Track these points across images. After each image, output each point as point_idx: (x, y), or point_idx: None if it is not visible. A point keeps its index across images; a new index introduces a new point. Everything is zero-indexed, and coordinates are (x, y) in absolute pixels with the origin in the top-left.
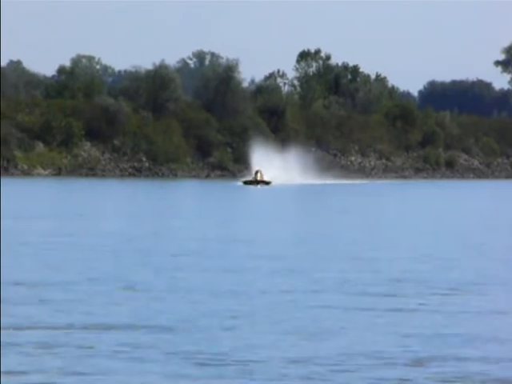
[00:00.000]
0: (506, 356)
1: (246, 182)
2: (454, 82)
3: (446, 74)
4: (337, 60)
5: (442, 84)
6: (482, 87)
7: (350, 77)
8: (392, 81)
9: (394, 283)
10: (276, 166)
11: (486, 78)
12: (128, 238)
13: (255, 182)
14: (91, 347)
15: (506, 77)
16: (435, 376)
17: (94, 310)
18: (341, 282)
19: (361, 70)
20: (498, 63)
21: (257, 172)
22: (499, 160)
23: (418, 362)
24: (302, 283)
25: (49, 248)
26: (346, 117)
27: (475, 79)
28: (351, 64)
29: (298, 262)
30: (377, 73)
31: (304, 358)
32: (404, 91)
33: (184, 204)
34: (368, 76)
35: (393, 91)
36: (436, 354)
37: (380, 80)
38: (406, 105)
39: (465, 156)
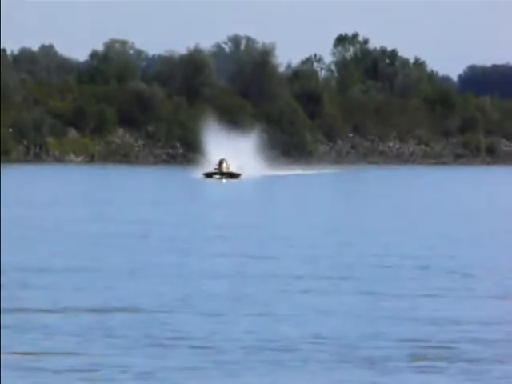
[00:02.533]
0: None
1: (207, 175)
2: (494, 67)
3: (487, 58)
4: (375, 44)
5: (483, 68)
6: None
7: (388, 61)
8: (431, 65)
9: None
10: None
11: None
12: (155, 225)
13: (219, 173)
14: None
15: None
16: None
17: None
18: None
19: (399, 54)
20: None
21: (221, 162)
22: None
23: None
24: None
25: (71, 235)
26: (384, 102)
27: None
28: (389, 48)
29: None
30: (415, 57)
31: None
32: (443, 76)
33: (215, 191)
34: (406, 60)
35: (432, 76)
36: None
37: (419, 64)
38: (446, 89)
39: (505, 142)
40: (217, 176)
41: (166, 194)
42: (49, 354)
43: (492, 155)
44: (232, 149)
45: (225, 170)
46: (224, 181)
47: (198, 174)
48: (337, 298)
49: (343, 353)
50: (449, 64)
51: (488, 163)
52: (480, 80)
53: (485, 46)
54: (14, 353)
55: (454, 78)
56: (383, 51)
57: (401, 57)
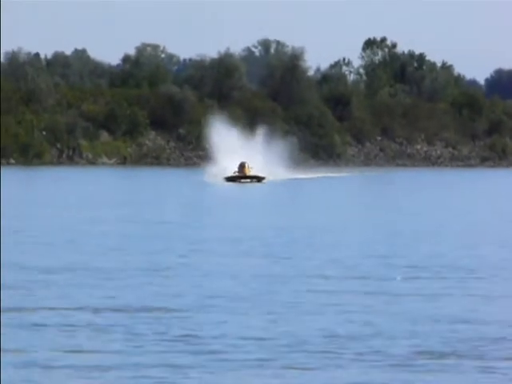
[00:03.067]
0: None
1: (229, 179)
2: None
3: None
4: (402, 48)
5: (510, 72)
6: None
7: (415, 65)
8: (458, 69)
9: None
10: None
11: None
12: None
13: (242, 177)
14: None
15: None
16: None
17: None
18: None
19: (427, 57)
20: None
21: (243, 165)
22: None
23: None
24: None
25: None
26: (412, 105)
27: None
28: (417, 52)
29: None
30: (443, 61)
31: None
32: (470, 79)
33: (246, 194)
34: (434, 64)
35: (459, 79)
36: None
37: (446, 68)
38: (473, 93)
39: None
40: (241, 180)
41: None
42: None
43: None
44: (257, 151)
45: (247, 173)
46: (247, 183)
47: (208, 176)
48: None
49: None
50: (476, 68)
51: None
52: (507, 83)
53: (511, 49)
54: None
55: (481, 81)
56: (411, 55)
57: (428, 61)
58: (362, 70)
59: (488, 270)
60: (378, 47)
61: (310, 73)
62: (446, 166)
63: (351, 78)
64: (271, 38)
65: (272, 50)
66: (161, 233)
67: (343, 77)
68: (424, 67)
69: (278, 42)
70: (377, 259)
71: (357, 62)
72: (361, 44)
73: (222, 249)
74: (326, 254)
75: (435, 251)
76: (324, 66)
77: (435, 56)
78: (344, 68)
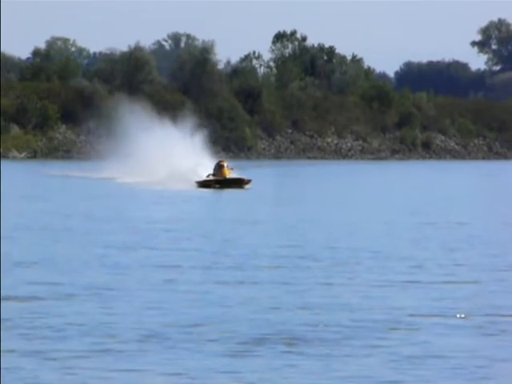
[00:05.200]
0: None
1: (202, 184)
2: (430, 63)
3: (423, 54)
4: (312, 41)
5: (419, 65)
6: (458, 68)
7: (325, 58)
8: (368, 62)
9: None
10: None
11: (463, 59)
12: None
13: (220, 181)
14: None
15: (483, 57)
16: None
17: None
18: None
19: (337, 51)
20: (474, 44)
21: (221, 165)
22: (475, 141)
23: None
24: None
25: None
26: (322, 98)
27: (451, 60)
28: (327, 45)
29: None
30: (353, 54)
31: None
32: (380, 72)
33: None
34: (344, 57)
35: (369, 72)
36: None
37: (356, 61)
38: (383, 86)
39: (441, 137)
40: (218, 185)
41: None
42: None
43: (428, 150)
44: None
45: (227, 176)
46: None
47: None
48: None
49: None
50: (385, 61)
51: (424, 158)
52: (416, 76)
53: (420, 42)
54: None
55: (391, 74)
56: (321, 48)
57: (338, 54)
58: (272, 64)
59: (364, 259)
60: (288, 40)
61: (221, 66)
62: (357, 158)
63: (261, 71)
64: (181, 31)
65: (182, 44)
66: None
67: (253, 70)
68: (334, 60)
69: (188, 36)
70: (245, 249)
71: (267, 56)
72: (271, 37)
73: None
74: (215, 245)
75: (317, 241)
76: (234, 59)
77: (345, 49)
78: (254, 61)
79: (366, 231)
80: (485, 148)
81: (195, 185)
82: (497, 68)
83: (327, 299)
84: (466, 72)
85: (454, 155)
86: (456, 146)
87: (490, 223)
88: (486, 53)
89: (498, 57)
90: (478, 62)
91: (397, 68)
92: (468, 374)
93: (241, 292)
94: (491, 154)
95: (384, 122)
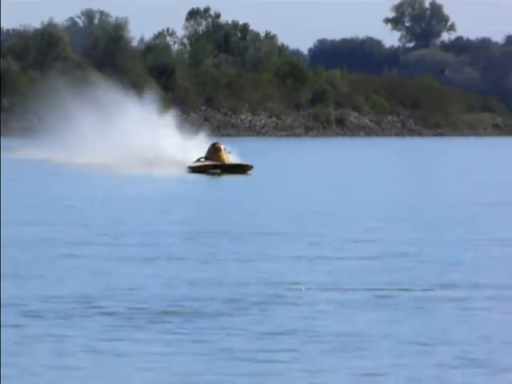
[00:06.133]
0: None
1: (195, 169)
2: (343, 40)
3: (336, 31)
4: (226, 18)
5: (332, 42)
6: (372, 45)
7: (239, 35)
8: (282, 39)
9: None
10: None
11: (376, 36)
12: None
13: (217, 167)
14: None
15: (396, 34)
16: None
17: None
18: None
19: (250, 28)
20: (387, 21)
21: (217, 148)
22: (389, 118)
23: None
24: None
25: None
26: (236, 75)
27: (365, 37)
28: (241, 22)
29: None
30: (266, 31)
31: None
32: (294, 49)
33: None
34: (258, 34)
35: (283, 49)
36: None
37: (270, 38)
38: (296, 63)
39: (355, 114)
40: (215, 170)
41: None
42: None
43: (342, 127)
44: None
45: (226, 161)
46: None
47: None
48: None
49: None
50: (299, 37)
51: (338, 135)
52: (330, 53)
53: (334, 19)
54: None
55: (305, 51)
56: (235, 25)
57: (252, 31)
58: (186, 41)
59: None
60: (201, 17)
61: (134, 43)
62: (271, 135)
63: (175, 48)
64: (95, 8)
65: (96, 21)
66: None
67: (167, 47)
68: (248, 37)
69: (101, 13)
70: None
71: (181, 33)
72: (185, 14)
73: None
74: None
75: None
76: (148, 36)
77: (259, 26)
78: (168, 38)
79: (275, 208)
80: (399, 125)
81: (188, 170)
82: (410, 45)
83: (218, 274)
84: (380, 49)
85: (368, 132)
86: (370, 123)
87: (401, 200)
88: (400, 30)
89: (411, 34)
90: (391, 39)
91: (310, 45)
92: (345, 350)
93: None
94: (405, 130)
95: (298, 99)
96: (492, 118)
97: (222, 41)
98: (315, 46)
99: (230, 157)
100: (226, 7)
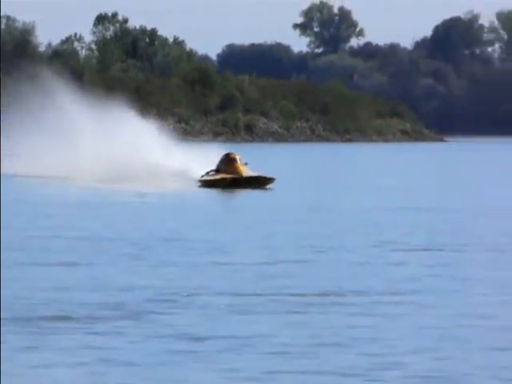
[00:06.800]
0: None
1: (207, 183)
2: (252, 45)
3: (245, 37)
4: (134, 23)
5: (241, 47)
6: (280, 50)
7: (147, 40)
8: (190, 44)
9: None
10: None
11: (285, 41)
12: None
13: (233, 181)
14: None
15: (305, 40)
16: None
17: None
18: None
19: (159, 33)
20: (296, 26)
21: (232, 158)
22: (298, 124)
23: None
24: None
25: None
26: (144, 80)
27: (274, 42)
28: (149, 27)
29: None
30: (175, 36)
31: None
32: (202, 54)
33: None
34: (166, 39)
35: (191, 55)
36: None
37: (178, 43)
38: (205, 68)
39: (264, 120)
40: (230, 185)
41: None
42: None
43: (251, 133)
44: None
45: (243, 173)
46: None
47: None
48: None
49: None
50: (207, 43)
51: (247, 141)
52: (238, 59)
53: (243, 25)
54: None
55: (213, 56)
56: (143, 30)
57: (160, 36)
58: (93, 46)
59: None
60: (109, 23)
61: (42, 48)
62: (179, 140)
63: (83, 53)
64: (1, 12)
65: (2, 25)
66: None
67: (75, 52)
68: (156, 43)
69: (8, 17)
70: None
71: (89, 38)
72: (92, 19)
73: None
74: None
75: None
76: (55, 41)
77: (167, 31)
78: (76, 43)
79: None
80: (307, 131)
81: (196, 184)
82: (319, 50)
83: (98, 280)
84: (289, 54)
85: (277, 138)
86: (279, 129)
87: (304, 204)
88: (308, 35)
89: (320, 39)
90: (300, 44)
91: (219, 50)
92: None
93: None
94: (314, 136)
95: (206, 104)
96: (400, 123)
97: (130, 46)
98: (224, 51)
99: (248, 169)
100: (134, 12)
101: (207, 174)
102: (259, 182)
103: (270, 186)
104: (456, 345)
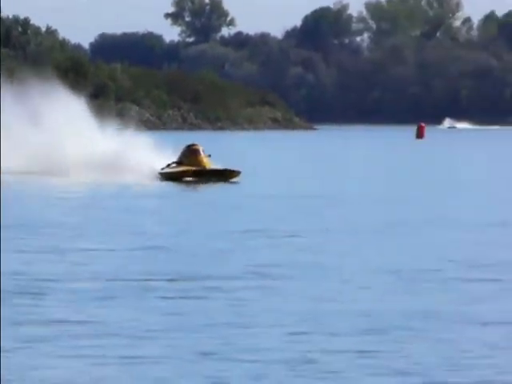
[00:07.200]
0: None
1: (168, 176)
2: (124, 34)
3: (117, 26)
4: (7, 13)
5: (113, 36)
6: (152, 40)
7: (20, 30)
8: (63, 33)
9: None
10: None
11: (157, 31)
12: None
13: (195, 173)
14: None
15: (176, 29)
16: None
17: None
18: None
19: (31, 22)
20: (168, 15)
21: (195, 150)
22: (170, 112)
23: None
24: None
25: None
26: (18, 70)
27: (146, 31)
28: (21, 17)
29: None
30: (47, 25)
31: None
32: (75, 43)
33: None
34: (39, 29)
35: (64, 44)
36: None
37: (50, 33)
38: (77, 57)
39: (136, 108)
40: (192, 177)
41: None
42: None
43: (123, 121)
44: None
45: (206, 166)
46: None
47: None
48: None
49: None
50: (80, 32)
51: (118, 128)
52: (111, 48)
53: (114, 13)
54: None
55: (86, 45)
56: (16, 19)
57: (33, 25)
58: None
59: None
60: None
61: None
62: None
63: None
64: None
65: None
66: None
67: None
68: (29, 32)
69: None
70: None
71: None
72: None
73: None
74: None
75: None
76: None
77: (39, 21)
78: None
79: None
80: (179, 119)
81: (158, 177)
82: (190, 40)
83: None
84: (160, 44)
85: (149, 126)
86: (151, 117)
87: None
88: (180, 25)
89: (191, 29)
90: (171, 33)
91: (91, 39)
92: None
93: None
94: (186, 124)
95: (80, 93)
96: (271, 112)
97: (4, 35)
98: (96, 40)
99: (210, 161)
100: (6, 1)
101: (168, 166)
102: (224, 176)
103: (235, 179)
104: (315, 329)
